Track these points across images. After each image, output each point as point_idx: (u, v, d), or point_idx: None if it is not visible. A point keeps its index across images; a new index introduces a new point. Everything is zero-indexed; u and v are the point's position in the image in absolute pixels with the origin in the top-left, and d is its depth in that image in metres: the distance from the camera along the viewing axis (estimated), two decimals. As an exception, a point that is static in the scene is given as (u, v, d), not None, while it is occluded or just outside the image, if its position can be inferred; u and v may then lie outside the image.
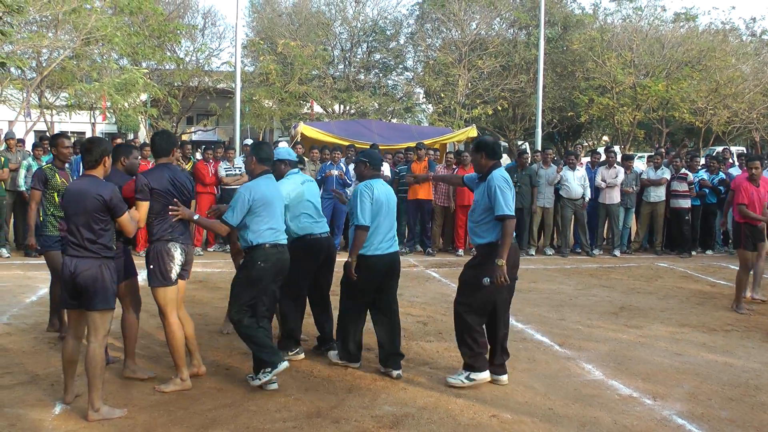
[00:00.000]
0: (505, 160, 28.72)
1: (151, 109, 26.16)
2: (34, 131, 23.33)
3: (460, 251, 12.90)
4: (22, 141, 13.75)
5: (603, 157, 13.79)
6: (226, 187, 12.27)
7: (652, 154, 15.02)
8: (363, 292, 6.10)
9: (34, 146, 12.18)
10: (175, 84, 28.06)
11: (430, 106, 32.49)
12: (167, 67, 27.98)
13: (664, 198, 13.17)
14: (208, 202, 12.06)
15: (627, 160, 13.64)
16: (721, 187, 13.14)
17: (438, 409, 5.29)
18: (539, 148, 17.75)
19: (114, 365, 5.99)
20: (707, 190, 13.29)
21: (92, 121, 27.91)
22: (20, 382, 5.70)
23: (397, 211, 12.80)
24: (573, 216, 12.97)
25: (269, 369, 5.51)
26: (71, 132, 30.46)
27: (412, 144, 13.92)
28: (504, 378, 5.91)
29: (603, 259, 12.82)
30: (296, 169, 6.64)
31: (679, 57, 27.44)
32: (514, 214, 5.60)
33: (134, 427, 4.85)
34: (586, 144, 37.41)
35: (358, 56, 32.77)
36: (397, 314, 6.27)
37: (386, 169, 12.87)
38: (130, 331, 5.84)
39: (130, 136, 24.95)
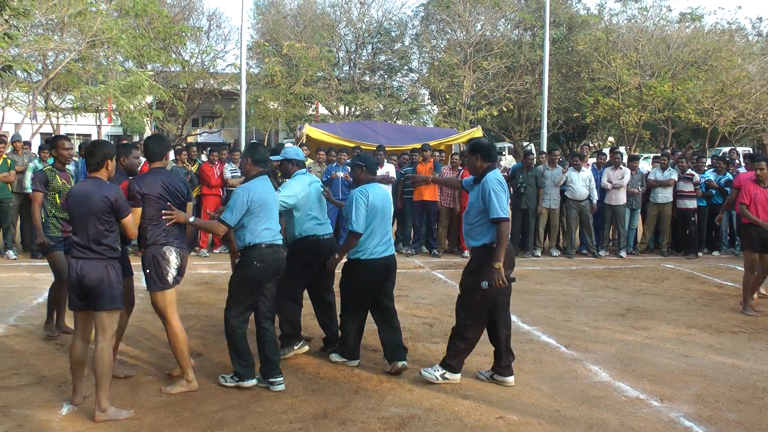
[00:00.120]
0: (511, 161, 28.72)
1: (157, 111, 26.20)
2: (40, 134, 23.41)
3: (466, 252, 12.88)
4: (28, 143, 13.80)
5: (608, 158, 13.77)
6: (232, 188, 12.28)
7: (658, 155, 14.97)
8: (362, 295, 6.22)
9: (41, 149, 12.20)
10: (181, 86, 28.09)
11: (435, 107, 32.51)
12: (172, 69, 28.01)
13: (671, 199, 13.13)
14: (213, 204, 12.07)
15: (633, 161, 13.61)
16: (728, 188, 13.10)
17: (444, 410, 5.28)
18: (545, 149, 17.73)
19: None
20: (714, 191, 13.24)
21: (98, 123, 28.01)
22: (27, 383, 5.71)
23: (403, 212, 13.05)
24: (578, 217, 12.94)
25: (237, 379, 5.65)
26: (77, 134, 30.61)
27: (418, 145, 13.91)
28: (511, 379, 5.92)
29: (609, 261, 12.79)
30: (303, 170, 6.66)
31: (684, 57, 27.37)
32: (508, 216, 5.62)
33: (141, 428, 4.86)
34: (592, 145, 37.34)
35: (363, 58, 32.80)
36: (395, 313, 6.38)
37: (391, 170, 12.88)
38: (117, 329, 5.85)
39: (136, 138, 25.00)
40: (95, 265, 4.94)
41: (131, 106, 22.33)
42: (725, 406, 5.50)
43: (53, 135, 21.28)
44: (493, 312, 5.82)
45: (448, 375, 5.88)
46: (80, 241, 4.96)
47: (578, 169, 12.84)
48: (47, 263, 7.04)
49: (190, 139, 29.68)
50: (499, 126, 33.25)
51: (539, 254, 13.03)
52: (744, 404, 5.57)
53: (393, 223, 13.35)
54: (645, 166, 16.82)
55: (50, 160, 11.39)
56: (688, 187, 13.07)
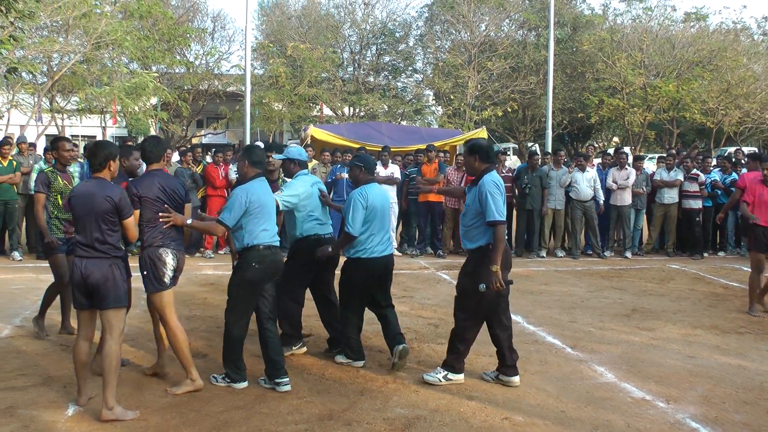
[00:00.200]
0: (516, 161, 28.69)
1: (162, 112, 26.24)
2: (46, 135, 23.46)
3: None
4: (33, 145, 13.82)
5: (612, 158, 13.74)
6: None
7: (663, 155, 14.94)
8: (362, 293, 6.30)
9: (46, 150, 12.23)
10: (185, 87, 28.14)
11: (439, 108, 32.50)
12: (177, 70, 28.06)
13: (677, 199, 13.10)
14: (218, 205, 12.08)
15: (638, 161, 13.59)
16: (734, 188, 13.06)
17: (450, 411, 5.28)
18: (550, 150, 17.70)
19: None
20: (719, 191, 13.21)
21: (103, 124, 28.03)
22: (33, 383, 5.73)
23: (408, 213, 13.04)
24: (583, 218, 12.92)
25: (229, 380, 5.70)
26: (82, 136, 30.67)
27: (422, 146, 13.90)
28: (516, 379, 5.91)
29: (614, 261, 12.77)
30: (306, 170, 6.67)
31: (689, 57, 27.31)
32: (505, 219, 5.62)
33: (147, 429, 4.86)
34: (596, 145, 37.29)
35: (368, 58, 32.82)
36: (392, 307, 6.50)
37: (396, 171, 12.88)
38: None
39: (140, 140, 25.04)
40: (99, 264, 4.98)
41: (136, 108, 22.38)
42: (731, 408, 5.48)
43: (64, 136, 21.37)
44: (492, 313, 5.82)
45: (450, 376, 5.88)
46: (84, 241, 4.99)
47: (583, 169, 12.82)
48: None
49: (194, 141, 29.75)
50: (504, 126, 33.23)
51: (544, 255, 13.01)
52: (750, 405, 5.55)
53: (398, 224, 13.36)
54: (650, 166, 16.79)
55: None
56: (693, 187, 13.05)
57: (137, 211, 5.38)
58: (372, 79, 32.63)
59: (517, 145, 33.30)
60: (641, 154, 20.19)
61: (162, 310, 5.55)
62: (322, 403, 5.40)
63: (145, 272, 5.50)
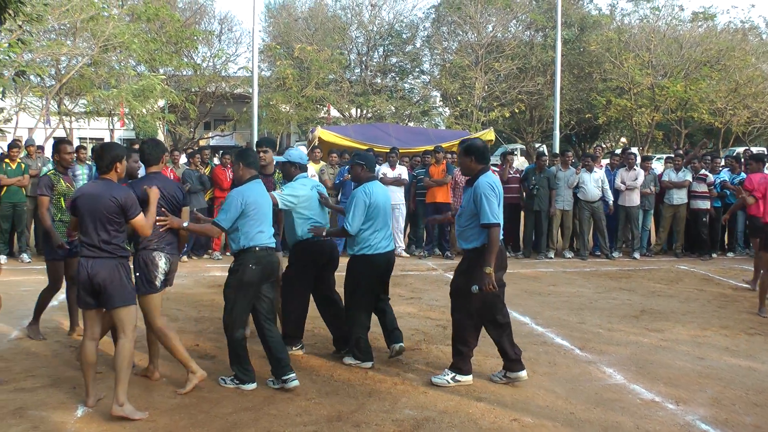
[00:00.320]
0: (523, 162, 28.66)
1: (169, 114, 26.34)
2: (54, 138, 23.56)
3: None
4: (41, 148, 13.88)
5: (620, 159, 13.70)
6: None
7: (671, 155, 14.89)
8: (368, 289, 6.35)
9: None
10: (193, 89, 28.25)
11: (446, 109, 32.52)
12: (184, 73, 28.17)
13: (686, 200, 13.05)
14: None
15: (645, 162, 13.55)
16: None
17: (459, 412, 5.27)
18: (557, 151, 17.67)
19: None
20: (728, 191, 13.15)
21: (111, 127, 28.14)
22: (43, 385, 5.74)
23: (415, 214, 13.03)
24: (591, 218, 12.89)
25: (237, 381, 5.71)
26: (90, 138, 30.78)
27: (430, 147, 13.88)
28: (523, 374, 5.91)
29: (622, 262, 12.72)
30: (305, 173, 6.73)
31: (697, 57, 27.25)
32: (499, 221, 5.61)
33: (156, 430, 4.87)
34: (604, 146, 37.21)
35: (375, 60, 32.86)
36: (389, 300, 6.67)
37: (404, 172, 12.87)
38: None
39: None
40: (105, 263, 5.01)
41: (143, 110, 22.48)
42: (741, 410, 5.45)
43: (66, 138, 21.43)
44: (486, 313, 5.83)
45: (459, 377, 5.87)
46: (89, 241, 5.03)
47: (590, 170, 12.79)
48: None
49: (202, 143, 29.83)
50: (511, 127, 33.22)
51: (552, 256, 12.98)
52: (761, 407, 5.51)
53: (406, 225, 13.35)
54: (657, 167, 16.74)
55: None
56: (702, 188, 12.99)
57: (154, 208, 5.40)
58: (379, 81, 32.69)
59: (524, 146, 33.28)
60: (649, 154, 20.14)
61: (148, 312, 5.59)
62: (331, 404, 5.39)
63: (137, 273, 5.54)
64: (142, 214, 5.17)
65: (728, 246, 13.87)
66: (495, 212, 5.58)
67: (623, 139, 39.33)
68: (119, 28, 20.08)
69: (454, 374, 5.87)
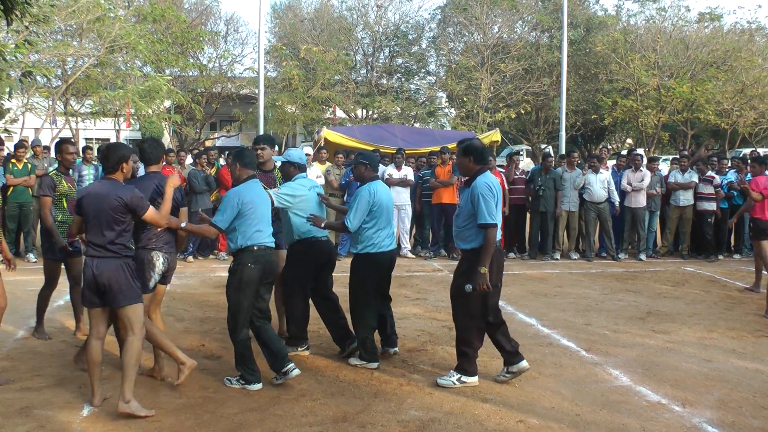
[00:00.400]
0: (529, 163, 28.63)
1: (175, 115, 26.38)
2: (60, 138, 23.62)
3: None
4: (47, 148, 13.91)
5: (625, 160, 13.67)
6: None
7: (677, 156, 14.84)
8: (373, 288, 6.40)
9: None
10: (199, 90, 28.27)
11: (452, 110, 32.50)
12: (190, 73, 28.20)
13: (692, 201, 13.01)
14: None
15: (652, 163, 13.51)
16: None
17: (464, 414, 5.26)
18: (563, 152, 17.64)
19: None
20: (735, 192, 13.10)
21: (117, 127, 28.21)
22: (48, 384, 5.76)
23: (421, 215, 13.03)
24: (597, 220, 12.86)
25: (243, 382, 5.73)
26: (96, 139, 30.85)
27: (436, 148, 13.88)
28: (524, 363, 5.94)
29: (628, 264, 12.69)
30: (304, 173, 6.78)
31: (703, 58, 27.15)
32: (495, 222, 5.63)
33: (161, 430, 4.88)
34: (610, 147, 37.15)
35: (381, 61, 32.86)
36: (390, 300, 6.72)
37: (410, 173, 12.87)
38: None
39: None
40: (110, 263, 5.04)
41: (149, 111, 22.51)
42: (749, 412, 5.43)
43: (74, 140, 21.48)
44: (485, 312, 5.85)
45: (464, 378, 5.87)
46: (95, 240, 5.05)
47: (596, 171, 12.76)
48: (64, 266, 7.11)
49: (208, 143, 29.83)
50: (517, 128, 33.19)
51: (558, 257, 12.96)
52: (768, 409, 5.50)
53: (411, 226, 13.34)
54: (663, 168, 16.69)
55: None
56: (708, 190, 12.95)
57: (169, 198, 5.44)
58: (385, 82, 32.68)
59: (530, 147, 33.24)
60: (655, 155, 20.09)
61: None
62: (336, 405, 5.39)
63: None
64: (151, 208, 5.20)
65: (735, 248, 13.83)
66: (492, 213, 5.60)
67: (629, 140, 39.26)
68: (125, 29, 20.12)
69: (459, 375, 5.87)
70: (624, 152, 15.16)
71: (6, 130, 18.71)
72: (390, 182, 12.53)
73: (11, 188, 11.48)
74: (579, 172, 12.83)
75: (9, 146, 14.67)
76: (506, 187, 12.66)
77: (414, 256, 12.99)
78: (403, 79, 33.50)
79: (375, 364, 6.32)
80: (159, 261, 5.61)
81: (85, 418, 5.06)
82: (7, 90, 12.93)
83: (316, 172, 12.43)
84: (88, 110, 23.72)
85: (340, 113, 30.95)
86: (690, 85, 26.22)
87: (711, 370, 6.47)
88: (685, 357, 6.86)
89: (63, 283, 7.27)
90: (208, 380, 5.90)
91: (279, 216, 6.63)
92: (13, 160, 11.52)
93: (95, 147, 13.24)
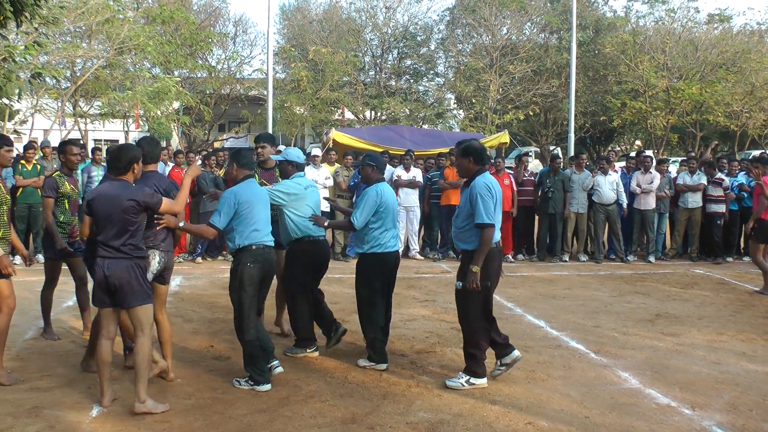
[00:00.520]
0: (537, 165, 28.58)
1: (184, 116, 26.45)
2: (63, 140, 23.71)
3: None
4: (57, 149, 13.93)
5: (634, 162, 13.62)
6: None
7: (685, 158, 14.78)
8: (380, 287, 6.42)
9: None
10: (207, 92, 28.34)
11: (461, 111, 32.48)
12: (199, 75, 28.27)
13: (701, 203, 12.95)
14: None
15: (661, 164, 13.47)
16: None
17: (473, 416, 5.25)
18: (572, 153, 17.59)
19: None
20: (746, 194, 13.04)
21: (125, 129, 28.29)
22: (58, 384, 5.78)
23: (430, 216, 13.02)
24: (606, 221, 12.82)
25: (252, 383, 5.74)
26: (105, 140, 30.97)
27: (445, 150, 13.86)
28: (516, 353, 6.06)
29: (637, 266, 12.64)
30: (302, 173, 6.80)
31: (713, 59, 27.05)
32: (493, 222, 5.64)
33: (170, 430, 4.89)
34: (619, 149, 37.05)
35: (389, 62, 32.86)
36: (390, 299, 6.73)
37: (418, 174, 12.86)
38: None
39: (163, 144, 25.26)
40: (121, 264, 5.07)
41: (158, 112, 22.58)
42: (759, 416, 5.39)
43: (83, 141, 21.58)
44: (488, 313, 5.90)
45: (473, 380, 5.85)
46: (106, 241, 5.07)
47: (605, 173, 12.73)
48: (68, 267, 7.14)
49: (216, 145, 29.90)
50: (526, 130, 33.14)
51: (567, 259, 12.92)
52: (779, 412, 5.46)
53: (420, 228, 13.34)
54: (673, 170, 16.62)
55: (81, 165, 11.56)
56: (717, 192, 12.88)
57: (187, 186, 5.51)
58: (393, 83, 32.68)
59: (539, 149, 33.19)
60: (665, 157, 20.03)
61: None
62: (345, 406, 5.39)
63: None
64: (165, 199, 5.29)
65: (744, 250, 13.75)
66: (490, 213, 5.61)
67: (638, 142, 39.14)
68: (134, 31, 20.19)
69: (468, 377, 5.86)
70: (632, 154, 15.09)
71: (15, 132, 18.81)
72: (399, 184, 12.53)
73: (21, 189, 11.51)
74: (588, 174, 12.80)
75: (18, 147, 14.73)
76: (515, 188, 12.65)
77: (422, 258, 12.98)
78: (411, 81, 33.49)
79: (384, 365, 6.31)
80: (155, 260, 5.62)
81: (94, 419, 5.07)
82: (17, 91, 12.94)
83: (325, 174, 12.45)
84: (97, 111, 23.80)
85: (348, 115, 30.98)
86: (699, 86, 26.13)
87: (721, 372, 6.44)
88: (695, 360, 6.83)
89: (71, 283, 7.29)
90: (217, 381, 5.91)
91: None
92: (23, 162, 11.55)
93: (104, 148, 13.28)
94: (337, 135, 16.34)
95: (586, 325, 8.16)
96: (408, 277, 10.90)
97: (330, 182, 12.48)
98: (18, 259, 11.49)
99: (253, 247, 5.72)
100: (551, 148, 32.73)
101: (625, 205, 12.78)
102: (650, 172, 12.93)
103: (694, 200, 12.95)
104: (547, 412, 5.35)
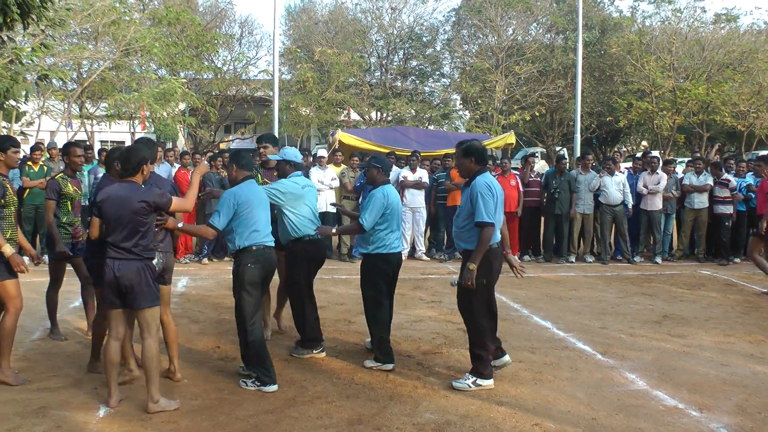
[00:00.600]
0: (544, 165, 28.54)
1: (190, 118, 26.50)
2: (67, 141, 23.79)
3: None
4: (61, 151, 13.96)
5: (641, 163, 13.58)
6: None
7: (691, 159, 14.73)
8: (384, 287, 6.46)
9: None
10: (213, 93, 28.40)
11: (467, 112, 32.47)
12: (205, 76, 28.34)
13: (707, 204, 12.91)
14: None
15: (667, 165, 13.43)
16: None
17: (480, 417, 5.23)
18: (578, 154, 17.56)
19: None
20: (753, 194, 12.98)
21: (132, 130, 28.37)
22: (65, 385, 5.79)
23: (436, 217, 13.00)
24: (613, 222, 12.79)
25: (258, 383, 5.74)
26: (111, 141, 31.06)
27: (451, 150, 13.81)
28: (506, 358, 6.23)
29: (644, 267, 12.60)
30: (299, 172, 6.81)
31: (719, 59, 26.98)
32: (492, 221, 5.63)
33: (177, 431, 4.89)
34: (625, 149, 36.98)
35: (395, 63, 32.87)
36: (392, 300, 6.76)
37: (424, 175, 12.85)
38: (100, 329, 5.97)
39: (169, 145, 25.31)
40: (132, 265, 5.08)
41: (164, 113, 22.65)
42: (767, 418, 5.37)
43: (89, 142, 21.63)
44: (491, 313, 5.89)
45: (480, 381, 5.85)
46: (116, 243, 5.08)
47: (612, 173, 12.69)
48: (72, 267, 7.16)
49: (222, 146, 29.96)
50: (532, 131, 33.10)
51: (573, 260, 12.89)
52: (787, 414, 5.44)
53: (426, 229, 13.32)
54: (680, 170, 16.57)
55: (86, 168, 11.59)
56: (724, 193, 12.83)
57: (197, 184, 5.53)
58: (399, 84, 32.69)
59: (545, 150, 33.15)
60: (671, 158, 19.97)
61: None
62: (352, 407, 5.38)
63: None
64: (175, 198, 5.33)
65: (751, 251, 13.69)
66: (490, 212, 5.62)
67: (644, 143, 39.07)
68: (140, 32, 20.25)
69: (475, 378, 5.85)
70: (639, 155, 15.05)
71: (22, 133, 18.85)
72: (405, 184, 12.52)
73: (27, 190, 11.54)
74: (594, 174, 12.77)
75: (25, 149, 14.77)
76: (521, 189, 12.63)
77: (429, 259, 12.97)
78: (417, 82, 33.50)
79: (390, 365, 6.31)
80: (154, 261, 5.61)
81: (101, 419, 5.08)
82: (24, 93, 12.99)
83: (331, 175, 12.45)
84: (104, 113, 23.88)
85: (354, 116, 30.99)
86: (706, 86, 26.06)
87: (728, 374, 6.40)
88: (702, 361, 6.80)
89: (77, 284, 7.30)
90: (223, 382, 5.91)
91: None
92: (29, 163, 11.59)
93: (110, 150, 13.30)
94: (343, 136, 16.35)
95: (592, 326, 8.14)
96: (414, 278, 10.89)
97: (336, 183, 12.48)
98: (27, 259, 11.55)
99: (253, 247, 5.72)
100: (557, 148, 32.70)
101: (630, 206, 12.74)
102: (657, 173, 12.88)
103: (701, 201, 12.90)
104: (553, 414, 5.33)
